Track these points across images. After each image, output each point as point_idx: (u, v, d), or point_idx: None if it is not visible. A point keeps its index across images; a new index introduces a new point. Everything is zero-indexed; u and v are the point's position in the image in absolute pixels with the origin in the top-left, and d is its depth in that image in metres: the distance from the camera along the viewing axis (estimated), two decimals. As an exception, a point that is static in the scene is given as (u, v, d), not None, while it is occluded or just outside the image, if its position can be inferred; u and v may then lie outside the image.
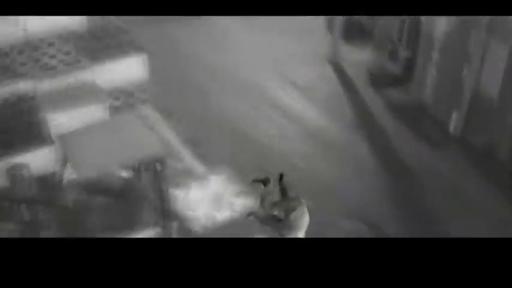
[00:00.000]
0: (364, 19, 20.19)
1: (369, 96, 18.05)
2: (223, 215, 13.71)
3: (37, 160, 13.60)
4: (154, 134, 13.34)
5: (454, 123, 16.39)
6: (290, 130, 16.66)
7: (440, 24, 16.26)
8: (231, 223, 13.64)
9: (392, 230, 13.88)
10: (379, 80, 18.74)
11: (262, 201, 6.21)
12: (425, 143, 16.42)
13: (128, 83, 15.65)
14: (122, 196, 13.40)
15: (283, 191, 6.27)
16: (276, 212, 6.14)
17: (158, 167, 12.64)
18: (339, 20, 19.39)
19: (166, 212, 13.10)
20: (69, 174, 12.94)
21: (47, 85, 14.72)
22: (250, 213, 6.35)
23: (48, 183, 13.65)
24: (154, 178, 12.86)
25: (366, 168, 15.70)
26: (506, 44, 14.77)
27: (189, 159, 15.24)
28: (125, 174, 13.57)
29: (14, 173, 13.20)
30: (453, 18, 15.69)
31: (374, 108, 17.68)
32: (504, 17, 14.03)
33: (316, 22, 20.69)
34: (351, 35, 20.02)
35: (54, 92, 14.69)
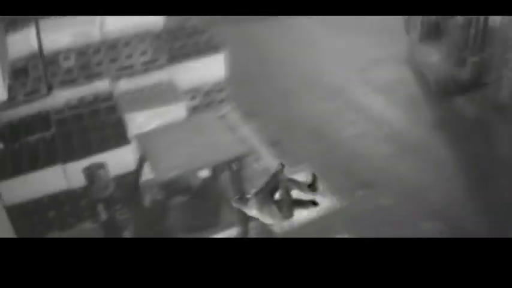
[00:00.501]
0: (441, 20, 19.78)
1: (447, 98, 17.54)
2: (301, 215, 13.37)
3: (115, 160, 13.45)
4: (232, 134, 13.11)
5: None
6: (371, 132, 16.26)
7: None
8: (310, 223, 13.36)
9: (475, 230, 13.46)
10: (455, 81, 18.25)
11: (293, 181, 5.77)
12: (502, 145, 15.86)
13: (205, 83, 15.56)
14: (201, 196, 13.17)
15: (299, 204, 5.82)
16: (280, 192, 5.73)
17: (235, 167, 12.35)
18: (417, 20, 19.02)
19: (244, 213, 12.73)
20: (147, 174, 12.83)
21: (124, 84, 14.75)
22: (282, 164, 5.84)
23: (126, 182, 13.57)
24: (232, 178, 12.57)
25: (446, 170, 15.25)
26: None
27: (268, 159, 14.95)
28: (203, 174, 13.33)
29: (91, 172, 13.03)
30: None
31: (452, 110, 17.20)
32: None
33: (395, 22, 20.26)
34: (430, 36, 19.65)
35: (132, 91, 14.72)
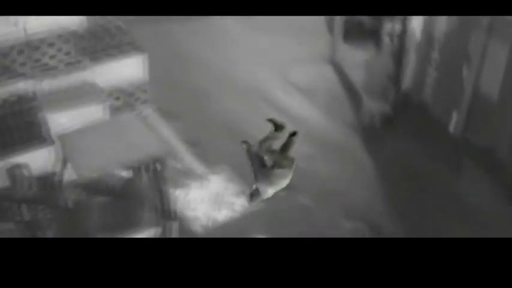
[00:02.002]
0: (364, 19, 20.12)
1: (368, 97, 17.98)
2: (223, 214, 13.69)
3: (37, 160, 13.56)
4: (154, 134, 13.32)
5: (453, 122, 16.42)
6: (291, 130, 16.54)
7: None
8: (231, 223, 13.63)
9: (391, 230, 13.94)
10: (377, 78, 18.68)
11: (263, 141, 6.20)
12: (424, 143, 16.39)
13: (128, 83, 15.68)
14: (122, 196, 13.38)
15: (286, 147, 6.29)
16: (266, 158, 6.15)
17: (158, 167, 12.64)
18: (339, 20, 19.35)
19: (166, 212, 13.10)
20: (69, 175, 12.97)
21: (47, 85, 14.74)
22: (245, 141, 6.31)
23: (48, 183, 13.62)
24: (154, 178, 12.85)
25: (364, 169, 15.69)
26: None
27: (189, 159, 15.23)
28: (125, 174, 13.54)
29: (14, 173, 13.17)
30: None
31: (372, 109, 17.63)
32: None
33: (316, 22, 20.63)
34: (351, 35, 19.96)
35: (55, 92, 14.71)
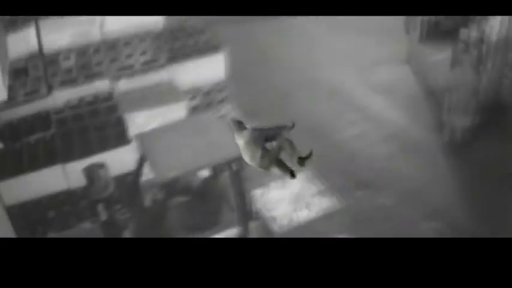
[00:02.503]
0: (442, 19, 19.85)
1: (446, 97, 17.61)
2: (302, 214, 13.53)
3: (114, 159, 13.56)
4: (232, 133, 13.10)
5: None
6: (371, 132, 16.34)
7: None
8: (310, 223, 13.45)
9: (470, 230, 13.58)
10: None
11: (275, 150, 5.87)
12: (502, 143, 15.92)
13: (206, 82, 15.60)
14: (201, 196, 13.21)
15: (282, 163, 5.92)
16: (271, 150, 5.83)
17: (237, 167, 12.40)
18: (417, 20, 19.08)
19: (246, 212, 12.87)
20: (147, 174, 12.86)
21: (124, 84, 14.80)
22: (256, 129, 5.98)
23: (125, 182, 13.63)
24: (233, 178, 12.61)
25: (445, 170, 15.34)
26: None
27: (269, 159, 15.03)
28: (203, 173, 13.37)
29: (91, 172, 13.17)
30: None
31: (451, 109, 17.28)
32: None
33: (395, 22, 20.30)
34: (430, 36, 19.69)
35: (132, 91, 14.74)
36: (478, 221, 13.79)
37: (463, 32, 17.00)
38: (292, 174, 5.78)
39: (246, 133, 5.67)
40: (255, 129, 5.69)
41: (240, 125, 5.75)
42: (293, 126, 5.87)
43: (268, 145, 5.68)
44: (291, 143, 5.79)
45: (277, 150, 5.70)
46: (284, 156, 5.82)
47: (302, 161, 5.77)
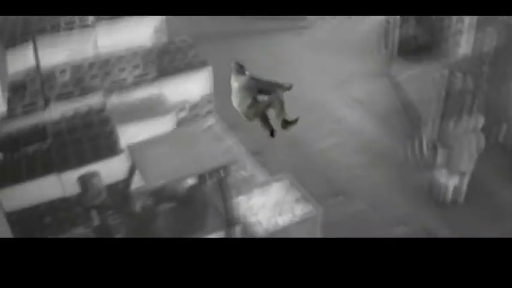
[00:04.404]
0: (418, 34, 20.24)
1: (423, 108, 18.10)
2: (281, 219, 13.93)
3: (107, 169, 14.06)
4: (218, 144, 13.61)
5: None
6: (347, 142, 17.05)
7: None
8: (288, 228, 13.88)
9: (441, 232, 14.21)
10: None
11: (263, 104, 6.35)
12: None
13: (192, 96, 16.19)
14: (187, 202, 13.79)
15: (265, 118, 6.51)
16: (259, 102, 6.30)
17: (222, 175, 12.96)
18: (394, 35, 19.54)
19: (229, 217, 13.46)
20: (137, 182, 13.48)
21: (116, 98, 15.39)
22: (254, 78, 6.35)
23: (117, 190, 14.17)
24: (218, 185, 13.17)
25: (413, 177, 15.97)
26: None
27: (251, 167, 15.58)
28: (190, 181, 13.94)
29: (85, 180, 13.64)
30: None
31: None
32: None
33: (373, 37, 20.82)
34: (406, 51, 20.09)
35: (123, 104, 15.31)
36: (446, 224, 14.41)
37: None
38: (272, 133, 6.11)
39: (242, 78, 5.98)
40: (252, 78, 6.04)
41: (240, 69, 6.07)
42: (290, 87, 6.18)
43: (260, 97, 6.02)
44: (281, 103, 6.07)
45: (267, 105, 6.02)
46: (271, 114, 6.17)
47: (286, 124, 6.12)
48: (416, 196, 15.25)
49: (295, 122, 5.95)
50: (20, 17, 14.45)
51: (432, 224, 14.45)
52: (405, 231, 14.16)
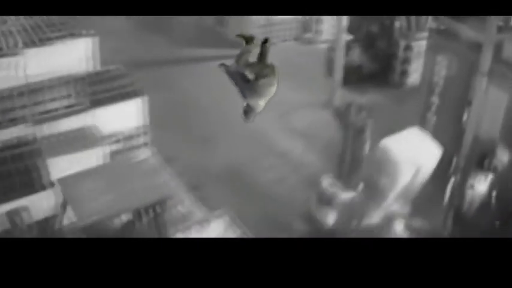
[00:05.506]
0: (364, 63, 20.30)
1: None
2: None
3: (37, 204, 13.66)
4: (153, 178, 13.37)
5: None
6: (290, 176, 16.82)
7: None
8: None
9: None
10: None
11: (239, 57, 6.43)
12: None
13: (128, 127, 15.90)
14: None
15: (262, 56, 6.48)
16: (247, 72, 6.24)
17: (158, 210, 12.69)
18: (338, 65, 19.51)
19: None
20: (69, 218, 13.02)
21: (47, 128, 14.89)
22: (222, 64, 6.48)
23: (48, 226, 13.70)
24: (154, 221, 12.88)
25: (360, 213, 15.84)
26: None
27: (189, 202, 15.27)
28: (124, 217, 13.58)
29: (13, 216, 13.24)
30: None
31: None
32: None
33: (317, 66, 20.86)
34: (351, 80, 20.11)
35: (55, 135, 14.88)
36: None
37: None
38: (248, 79, 6.16)
39: (250, 106, 6.65)
40: (245, 99, 6.62)
41: (248, 110, 6.74)
42: (266, 41, 6.36)
43: (248, 75, 6.26)
44: (237, 58, 6.40)
45: (246, 51, 6.38)
46: (249, 60, 6.39)
47: (248, 41, 6.48)
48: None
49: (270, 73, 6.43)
50: None
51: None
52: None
